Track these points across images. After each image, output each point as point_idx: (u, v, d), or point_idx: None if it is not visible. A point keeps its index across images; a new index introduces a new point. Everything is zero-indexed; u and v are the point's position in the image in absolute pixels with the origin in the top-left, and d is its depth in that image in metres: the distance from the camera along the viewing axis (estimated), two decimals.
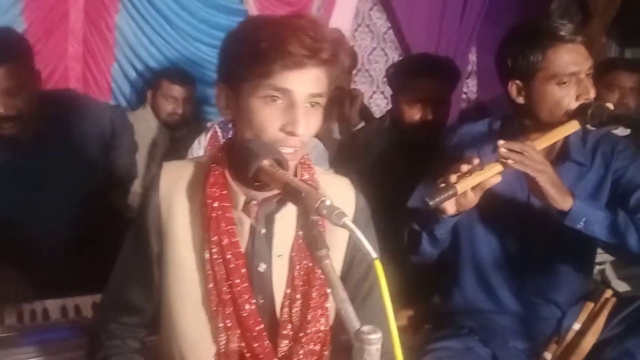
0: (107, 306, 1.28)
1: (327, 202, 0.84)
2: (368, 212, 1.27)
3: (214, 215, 1.12)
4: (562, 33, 1.49)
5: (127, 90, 3.06)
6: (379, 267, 0.75)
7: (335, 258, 1.16)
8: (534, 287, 1.65)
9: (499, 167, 1.40)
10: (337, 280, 0.81)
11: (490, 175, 1.39)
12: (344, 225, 0.80)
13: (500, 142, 1.42)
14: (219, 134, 2.42)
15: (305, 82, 1.05)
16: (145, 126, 2.78)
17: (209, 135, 2.40)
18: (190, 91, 2.88)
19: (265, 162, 0.98)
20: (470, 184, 1.38)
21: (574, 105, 1.48)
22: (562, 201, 1.44)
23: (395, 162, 2.21)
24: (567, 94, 1.49)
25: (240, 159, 1.04)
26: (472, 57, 4.16)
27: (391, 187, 1.88)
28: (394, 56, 3.93)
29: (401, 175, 1.87)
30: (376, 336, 0.71)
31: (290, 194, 0.92)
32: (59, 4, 2.76)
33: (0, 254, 1.95)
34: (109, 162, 2.24)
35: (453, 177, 1.38)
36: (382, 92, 3.94)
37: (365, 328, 0.72)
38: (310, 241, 0.86)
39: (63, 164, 2.07)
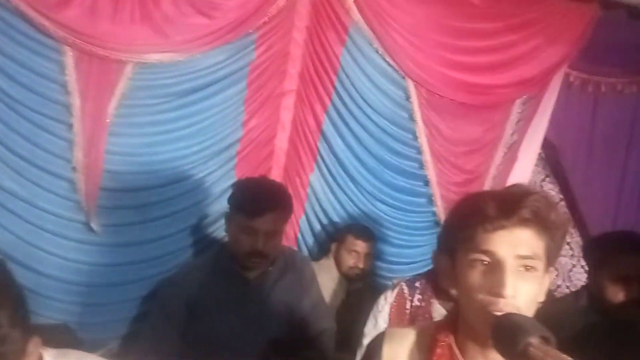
0: None
1: None
2: None
3: None
4: None
5: (310, 241, 3.29)
6: None
7: None
8: None
9: None
10: None
11: None
12: None
13: None
14: (406, 291, 2.50)
15: (508, 244, 1.05)
16: (327, 277, 2.94)
17: (395, 292, 2.49)
18: (372, 247, 3.05)
19: (534, 340, 0.91)
20: None
21: None
22: None
23: (595, 345, 2.09)
24: None
25: (500, 335, 0.97)
26: None
27: None
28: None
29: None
30: None
31: None
32: (265, 162, 3.14)
33: None
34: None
35: None
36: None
37: None
38: None
39: (273, 305, 2.33)
